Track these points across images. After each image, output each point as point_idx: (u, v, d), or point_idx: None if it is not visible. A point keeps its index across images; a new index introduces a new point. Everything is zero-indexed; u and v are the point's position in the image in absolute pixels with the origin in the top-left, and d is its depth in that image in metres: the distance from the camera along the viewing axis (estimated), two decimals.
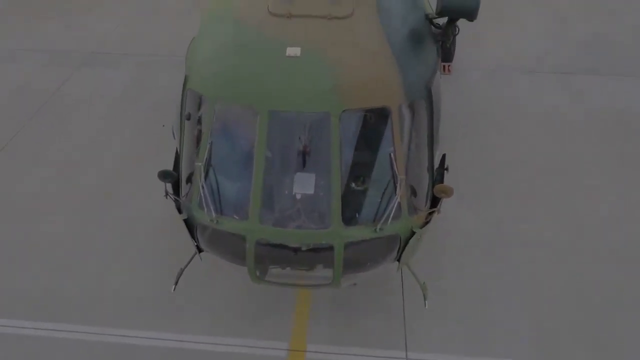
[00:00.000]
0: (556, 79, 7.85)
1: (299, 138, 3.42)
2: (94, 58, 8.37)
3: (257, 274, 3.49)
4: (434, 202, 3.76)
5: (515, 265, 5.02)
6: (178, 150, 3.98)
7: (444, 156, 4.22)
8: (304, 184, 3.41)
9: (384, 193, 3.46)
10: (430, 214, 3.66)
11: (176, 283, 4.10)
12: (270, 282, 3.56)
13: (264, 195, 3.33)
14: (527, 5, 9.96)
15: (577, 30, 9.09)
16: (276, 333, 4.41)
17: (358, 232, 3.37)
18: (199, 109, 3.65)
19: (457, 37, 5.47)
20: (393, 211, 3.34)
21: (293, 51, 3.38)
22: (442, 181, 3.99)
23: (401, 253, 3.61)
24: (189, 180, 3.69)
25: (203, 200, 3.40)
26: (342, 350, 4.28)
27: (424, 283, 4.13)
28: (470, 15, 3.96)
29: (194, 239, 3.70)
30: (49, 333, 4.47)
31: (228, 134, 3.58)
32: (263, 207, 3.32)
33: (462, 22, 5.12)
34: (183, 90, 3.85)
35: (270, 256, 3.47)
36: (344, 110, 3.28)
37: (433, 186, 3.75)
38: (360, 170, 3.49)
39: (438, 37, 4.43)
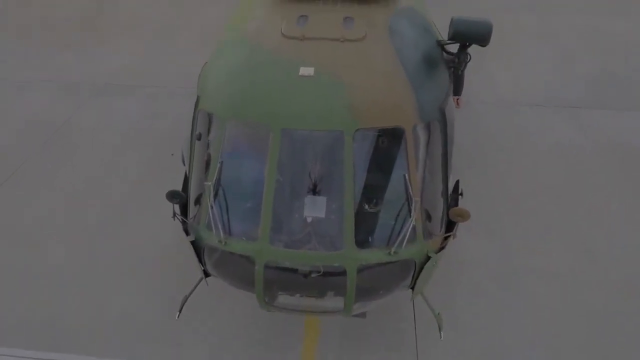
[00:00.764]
0: (564, 112, 7.86)
1: (312, 157, 3.35)
2: (106, 89, 8.47)
3: (266, 299, 3.35)
4: (449, 227, 3.65)
5: (531, 296, 4.86)
6: (187, 172, 3.92)
7: (457, 182, 4.14)
8: (314, 207, 3.32)
9: (398, 215, 3.36)
10: (446, 238, 3.54)
11: (180, 310, 3.97)
12: (279, 309, 3.41)
13: (275, 216, 3.23)
14: (533, 41, 10.13)
15: (583, 66, 9.19)
16: None
17: (371, 256, 3.24)
18: (210, 129, 3.61)
19: (465, 71, 5.57)
20: (408, 234, 3.22)
21: (306, 71, 3.37)
22: (456, 206, 3.89)
23: (416, 279, 3.46)
24: (198, 201, 3.61)
25: (212, 220, 3.31)
26: None
27: (438, 313, 3.97)
28: (483, 40, 3.96)
29: (201, 262, 3.59)
30: None
31: (239, 153, 3.52)
32: (273, 227, 3.22)
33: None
34: (194, 111, 3.82)
35: (280, 280, 3.34)
36: (357, 130, 3.22)
37: (448, 210, 3.65)
38: (373, 192, 3.39)
39: (450, 64, 4.42)
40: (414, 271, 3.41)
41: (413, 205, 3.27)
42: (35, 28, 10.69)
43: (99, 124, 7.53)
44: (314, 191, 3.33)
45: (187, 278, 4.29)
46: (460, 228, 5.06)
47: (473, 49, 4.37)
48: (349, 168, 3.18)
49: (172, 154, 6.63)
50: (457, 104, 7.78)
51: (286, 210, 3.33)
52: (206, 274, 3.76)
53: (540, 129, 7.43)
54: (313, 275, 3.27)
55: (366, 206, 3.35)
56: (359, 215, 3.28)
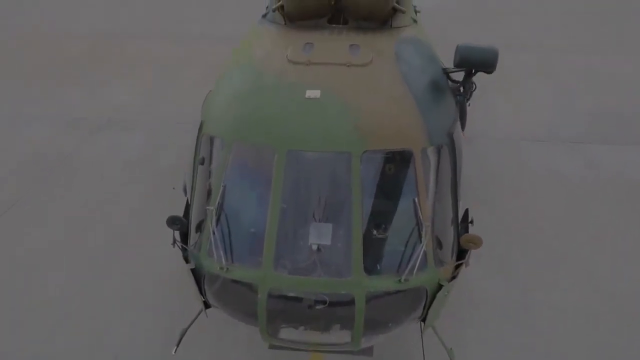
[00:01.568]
0: (567, 147, 7.86)
1: (318, 180, 3.24)
2: (110, 124, 8.50)
3: (269, 331, 3.15)
4: (460, 256, 3.50)
5: (545, 333, 4.65)
6: (188, 198, 3.81)
7: (467, 210, 4.02)
8: (320, 235, 3.17)
9: (408, 241, 3.21)
10: (458, 267, 3.38)
11: (178, 344, 3.74)
12: (283, 342, 3.21)
13: (279, 241, 3.08)
14: (534, 79, 10.26)
15: (584, 103, 9.28)
16: None
17: (381, 283, 3.07)
18: (213, 153, 3.52)
19: (467, 107, 5.58)
20: (419, 261, 3.07)
21: (313, 93, 3.32)
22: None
23: (427, 310, 3.28)
24: (199, 228, 3.47)
25: (213, 246, 3.16)
26: None
27: (451, 349, 3.75)
28: (489, 67, 3.96)
29: (201, 292, 3.41)
30: None
31: (243, 177, 3.41)
32: (278, 253, 3.07)
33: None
34: (198, 136, 3.75)
35: (284, 311, 3.15)
36: (365, 151, 3.13)
37: (459, 238, 3.51)
38: (382, 216, 3.26)
39: (455, 92, 4.40)
40: (425, 301, 3.23)
41: (423, 230, 3.13)
42: (43, 67, 10.88)
43: (101, 158, 7.51)
44: (321, 215, 3.19)
45: (186, 310, 4.09)
46: (471, 262, 4.96)
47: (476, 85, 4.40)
48: (357, 191, 3.07)
49: (174, 188, 6.54)
50: None
51: (291, 235, 3.19)
52: (206, 305, 3.57)
53: (544, 164, 7.40)
54: (319, 307, 3.09)
55: (375, 231, 3.21)
56: (367, 240, 3.14)
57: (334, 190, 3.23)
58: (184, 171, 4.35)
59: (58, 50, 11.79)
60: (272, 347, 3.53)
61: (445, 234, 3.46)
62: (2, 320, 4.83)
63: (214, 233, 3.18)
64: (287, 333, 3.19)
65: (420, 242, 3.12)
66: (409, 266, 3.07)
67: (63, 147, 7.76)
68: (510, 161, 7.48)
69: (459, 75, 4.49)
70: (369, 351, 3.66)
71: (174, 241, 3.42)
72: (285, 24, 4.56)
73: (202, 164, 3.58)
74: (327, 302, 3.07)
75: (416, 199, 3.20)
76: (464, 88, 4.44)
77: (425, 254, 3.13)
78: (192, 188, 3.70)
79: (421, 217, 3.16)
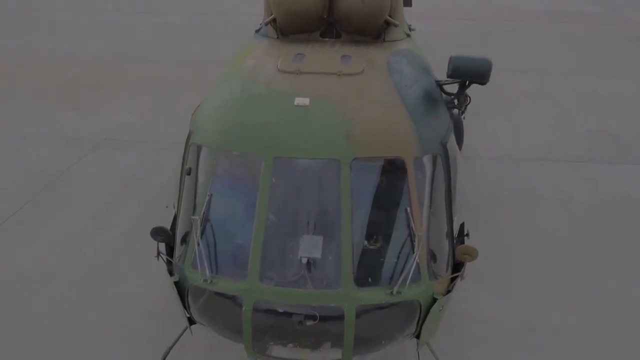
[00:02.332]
0: (568, 166, 7.78)
1: (306, 188, 3.13)
2: (106, 144, 8.47)
3: (255, 348, 2.99)
4: (455, 270, 3.36)
5: (547, 355, 4.46)
6: (175, 210, 3.70)
7: (462, 224, 3.89)
8: (310, 248, 3.03)
9: (400, 252, 3.08)
10: (453, 279, 3.24)
11: None
12: (269, 358, 3.04)
13: (266, 251, 2.96)
14: (532, 101, 10.30)
15: (582, 123, 9.29)
16: None
17: (372, 295, 2.92)
18: (200, 162, 3.43)
19: (464, 127, 5.52)
20: (411, 273, 2.93)
21: (302, 101, 3.24)
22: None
23: (421, 326, 3.12)
24: (184, 241, 3.35)
25: (197, 257, 3.03)
26: None
27: None
28: (482, 77, 3.89)
29: (185, 307, 3.26)
30: None
31: (229, 186, 3.31)
32: (264, 264, 2.93)
33: (468, 112, 5.13)
34: (185, 146, 3.67)
35: (271, 326, 3.00)
36: (354, 159, 3.04)
37: (453, 250, 3.37)
38: (373, 226, 3.13)
39: (449, 105, 4.34)
40: (419, 316, 3.07)
41: (416, 241, 3.00)
42: (42, 90, 10.94)
43: (96, 176, 7.43)
44: (309, 225, 3.07)
45: (173, 332, 3.93)
46: (471, 282, 4.80)
47: (473, 107, 4.32)
48: (346, 199, 2.96)
49: (167, 207, 6.44)
50: None
51: (278, 245, 3.06)
52: (191, 322, 3.42)
53: (545, 183, 7.31)
54: (307, 323, 2.94)
55: (365, 242, 3.07)
56: (358, 250, 3.01)
57: (323, 199, 3.11)
58: (175, 187, 4.26)
59: (57, 74, 11.90)
60: None
61: (440, 246, 3.33)
62: None
63: (198, 244, 3.06)
64: (274, 349, 3.04)
65: (413, 253, 2.99)
66: (401, 278, 2.93)
67: (57, 165, 7.69)
68: (510, 180, 7.38)
69: (453, 89, 4.45)
70: None
71: (158, 253, 3.29)
72: (277, 37, 4.55)
73: (189, 174, 3.48)
74: (317, 317, 2.92)
75: (408, 209, 3.08)
76: (458, 100, 4.38)
77: (418, 265, 2.99)
78: (179, 199, 3.60)
79: (414, 228, 3.04)
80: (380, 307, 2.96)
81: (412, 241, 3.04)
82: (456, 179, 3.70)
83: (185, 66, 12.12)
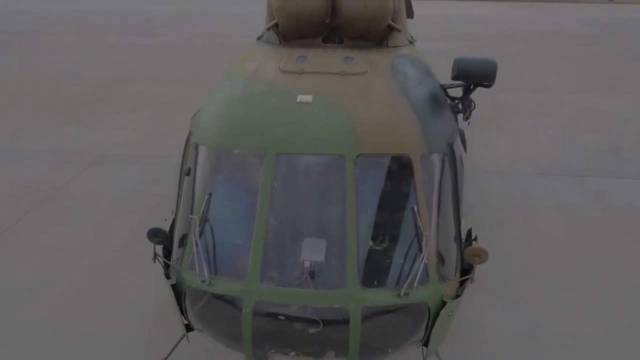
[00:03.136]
0: (569, 180, 7.75)
1: (310, 185, 3.02)
2: (105, 158, 8.41)
3: (255, 354, 2.83)
4: (463, 273, 3.22)
5: None
6: (173, 212, 3.57)
7: (470, 230, 3.76)
8: (313, 251, 2.89)
9: (407, 252, 2.95)
10: (463, 282, 3.10)
11: None
12: None
13: (267, 250, 2.82)
14: (532, 117, 10.37)
15: (584, 138, 9.35)
16: None
17: (378, 297, 2.77)
18: (200, 162, 3.32)
19: (466, 142, 5.45)
20: (419, 274, 2.79)
21: (305, 98, 3.16)
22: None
23: (430, 331, 2.96)
24: (182, 243, 3.22)
25: (195, 258, 2.90)
26: None
27: None
28: (487, 79, 3.83)
29: (182, 311, 3.10)
30: None
31: (229, 184, 3.19)
32: (265, 263, 2.79)
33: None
34: (185, 147, 3.57)
35: (272, 329, 2.85)
36: (360, 155, 2.93)
37: (462, 254, 3.25)
38: (378, 224, 3.00)
39: (453, 109, 4.27)
40: (427, 320, 2.92)
41: (424, 241, 2.88)
42: (43, 107, 10.96)
43: (95, 190, 7.34)
44: (312, 223, 2.95)
45: (172, 342, 3.76)
46: (477, 293, 4.67)
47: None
48: (351, 196, 2.84)
49: (166, 219, 6.32)
50: None
51: (280, 244, 2.93)
52: (188, 328, 3.26)
53: (548, 196, 7.26)
54: (310, 330, 2.79)
55: (371, 241, 2.94)
56: (363, 249, 2.87)
57: (327, 196, 2.99)
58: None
59: (58, 92, 11.96)
60: None
61: (448, 248, 3.19)
62: None
63: (196, 244, 2.93)
64: (275, 355, 2.88)
65: (421, 253, 2.85)
66: (409, 279, 2.79)
67: (56, 179, 7.61)
68: (514, 194, 7.32)
69: (456, 94, 4.39)
70: None
71: (155, 256, 3.15)
72: (280, 43, 4.51)
73: (188, 174, 3.37)
74: (320, 324, 2.77)
75: (415, 208, 2.96)
76: (462, 105, 4.31)
77: (426, 266, 2.85)
78: (177, 201, 3.48)
79: (421, 227, 2.92)
80: (386, 310, 2.81)
81: (419, 241, 2.91)
82: (463, 181, 3.59)
83: (186, 84, 12.17)
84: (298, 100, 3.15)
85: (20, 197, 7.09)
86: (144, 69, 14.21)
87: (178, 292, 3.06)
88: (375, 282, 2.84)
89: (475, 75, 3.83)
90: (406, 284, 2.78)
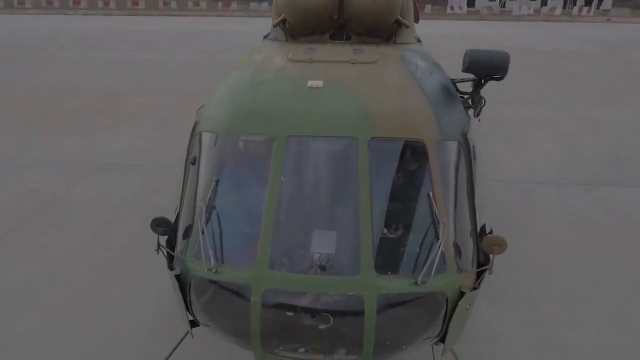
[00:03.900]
0: (577, 189, 7.67)
1: (321, 168, 2.89)
2: (105, 167, 8.31)
3: (263, 346, 2.66)
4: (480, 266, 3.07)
5: None
6: (177, 205, 3.44)
7: (483, 225, 3.63)
8: (323, 243, 2.76)
9: (423, 240, 2.81)
10: (480, 274, 2.95)
11: None
12: (279, 356, 2.71)
13: (277, 235, 2.67)
14: (536, 128, 10.38)
15: (587, 148, 9.35)
16: None
17: (394, 284, 2.61)
18: (207, 150, 3.19)
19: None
20: (437, 261, 2.65)
21: (315, 83, 3.06)
22: (486, 256, 3.30)
23: (447, 324, 2.80)
24: (187, 235, 3.07)
25: (202, 246, 2.75)
26: None
27: None
28: (500, 70, 3.74)
29: (186, 304, 2.94)
30: None
31: (237, 171, 3.05)
32: (275, 249, 2.64)
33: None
34: (191, 138, 3.46)
35: (282, 322, 2.68)
36: (373, 137, 2.82)
37: (477, 245, 3.10)
38: (392, 211, 2.86)
39: (465, 104, 4.17)
40: (445, 311, 2.76)
41: (441, 228, 2.74)
42: (45, 118, 10.94)
43: (95, 198, 7.22)
44: (323, 207, 2.82)
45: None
46: (487, 300, 4.51)
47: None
48: (364, 179, 2.71)
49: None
50: None
51: (290, 230, 2.79)
52: (192, 324, 3.10)
53: (555, 205, 7.18)
54: (322, 322, 2.62)
55: (385, 227, 2.80)
56: (377, 235, 2.73)
57: (339, 180, 2.86)
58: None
59: (61, 104, 11.96)
60: None
61: (464, 238, 3.04)
62: None
63: (203, 232, 2.78)
64: (285, 348, 2.70)
65: (438, 240, 2.71)
66: (426, 267, 2.64)
67: (57, 186, 7.51)
68: (521, 202, 7.21)
69: (466, 90, 4.32)
70: None
71: (158, 247, 3.00)
72: (287, 40, 4.44)
73: (194, 163, 3.24)
74: (331, 319, 2.61)
75: (431, 194, 2.83)
76: (472, 101, 4.22)
77: (443, 254, 2.70)
78: (182, 192, 3.35)
79: (437, 214, 2.78)
80: (403, 299, 2.65)
81: (436, 229, 2.77)
82: (476, 174, 3.47)
83: (186, 97, 12.14)
84: (308, 86, 3.05)
85: (21, 203, 6.98)
86: (145, 82, 14.24)
87: (182, 283, 2.90)
88: (391, 270, 2.69)
89: (487, 67, 3.75)
90: (423, 272, 2.63)
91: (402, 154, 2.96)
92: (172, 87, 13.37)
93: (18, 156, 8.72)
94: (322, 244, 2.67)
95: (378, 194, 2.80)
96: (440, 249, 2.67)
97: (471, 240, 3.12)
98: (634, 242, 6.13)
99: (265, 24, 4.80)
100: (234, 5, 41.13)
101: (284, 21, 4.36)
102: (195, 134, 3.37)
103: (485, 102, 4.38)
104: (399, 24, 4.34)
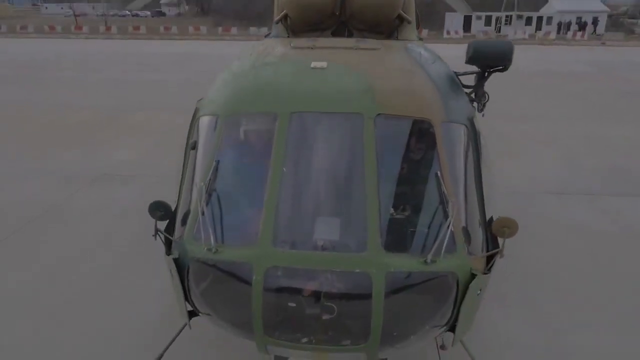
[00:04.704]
0: (582, 199, 7.65)
1: (326, 144, 2.80)
2: (105, 178, 8.26)
3: (266, 330, 2.51)
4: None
5: None
6: (177, 192, 3.34)
7: (491, 217, 3.52)
8: (328, 220, 2.65)
9: (432, 219, 2.71)
10: (491, 257, 2.83)
11: None
12: (281, 344, 2.57)
13: (280, 213, 2.56)
14: (536, 143, 10.46)
15: (588, 161, 9.42)
16: None
17: (402, 262, 2.48)
18: (208, 132, 3.11)
19: None
20: (446, 240, 2.54)
21: (319, 64, 3.01)
22: (494, 242, 3.19)
23: (458, 309, 2.67)
24: (186, 220, 2.95)
25: (201, 226, 2.64)
26: None
27: None
28: (504, 60, 3.70)
29: (185, 292, 2.80)
30: None
31: (238, 150, 2.98)
32: (278, 226, 2.53)
33: None
34: (191, 124, 3.39)
35: (285, 304, 2.54)
36: (379, 114, 2.75)
37: (486, 234, 3.00)
38: (400, 189, 2.76)
39: (468, 97, 4.13)
40: (455, 294, 2.63)
41: (450, 207, 2.64)
42: (47, 132, 10.94)
43: (92, 207, 7.15)
44: (328, 184, 2.72)
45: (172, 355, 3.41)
46: (497, 305, 4.37)
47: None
48: (370, 155, 2.62)
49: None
50: None
51: (294, 207, 2.68)
52: (191, 314, 2.96)
53: (560, 214, 7.15)
54: (325, 316, 2.48)
55: (392, 204, 2.69)
56: (385, 212, 2.62)
57: (344, 157, 2.77)
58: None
59: (63, 119, 11.97)
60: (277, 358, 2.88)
61: (473, 222, 2.94)
62: None
63: (202, 213, 2.67)
64: (286, 333, 2.56)
65: (447, 220, 2.61)
66: (436, 245, 2.52)
67: (56, 196, 7.46)
68: (525, 212, 7.13)
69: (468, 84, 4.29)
70: None
71: (156, 232, 2.88)
72: (289, 37, 4.44)
73: (194, 148, 3.16)
74: (335, 310, 2.47)
75: (439, 174, 2.74)
76: (476, 94, 4.18)
77: (453, 234, 2.60)
78: (182, 178, 3.25)
79: (446, 194, 2.69)
80: (412, 279, 2.53)
81: (444, 208, 2.68)
82: (483, 160, 3.39)
83: (185, 114, 12.14)
84: (312, 66, 3.00)
85: (21, 211, 6.90)
86: (145, 100, 14.31)
87: (181, 269, 2.78)
88: (399, 248, 2.58)
89: (491, 57, 3.71)
90: (432, 251, 2.52)
91: (409, 132, 2.88)
92: (171, 104, 13.40)
93: (15, 169, 8.66)
94: (327, 221, 2.57)
95: (384, 172, 2.71)
96: (450, 229, 2.57)
97: (480, 225, 3.02)
98: (634, 249, 6.11)
99: None
100: (234, 30, 41.77)
101: (285, 17, 4.37)
102: (195, 120, 3.31)
103: (488, 97, 4.34)
104: (401, 20, 4.35)
